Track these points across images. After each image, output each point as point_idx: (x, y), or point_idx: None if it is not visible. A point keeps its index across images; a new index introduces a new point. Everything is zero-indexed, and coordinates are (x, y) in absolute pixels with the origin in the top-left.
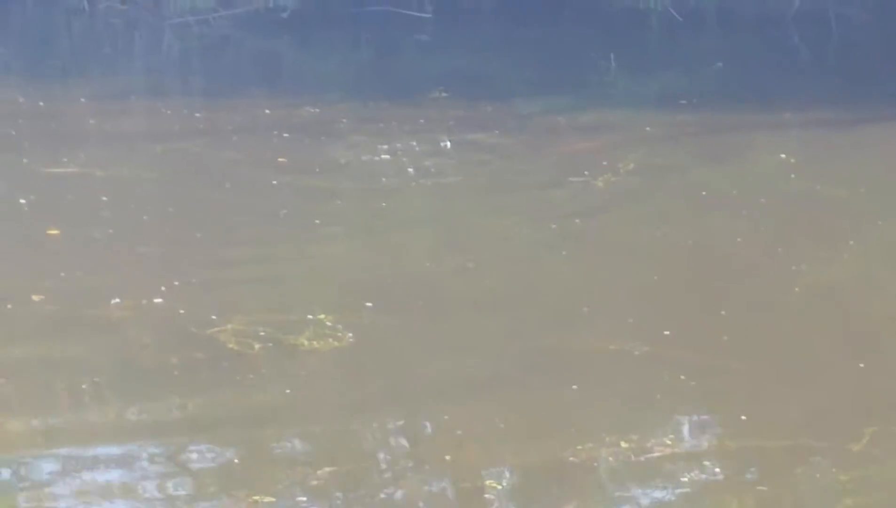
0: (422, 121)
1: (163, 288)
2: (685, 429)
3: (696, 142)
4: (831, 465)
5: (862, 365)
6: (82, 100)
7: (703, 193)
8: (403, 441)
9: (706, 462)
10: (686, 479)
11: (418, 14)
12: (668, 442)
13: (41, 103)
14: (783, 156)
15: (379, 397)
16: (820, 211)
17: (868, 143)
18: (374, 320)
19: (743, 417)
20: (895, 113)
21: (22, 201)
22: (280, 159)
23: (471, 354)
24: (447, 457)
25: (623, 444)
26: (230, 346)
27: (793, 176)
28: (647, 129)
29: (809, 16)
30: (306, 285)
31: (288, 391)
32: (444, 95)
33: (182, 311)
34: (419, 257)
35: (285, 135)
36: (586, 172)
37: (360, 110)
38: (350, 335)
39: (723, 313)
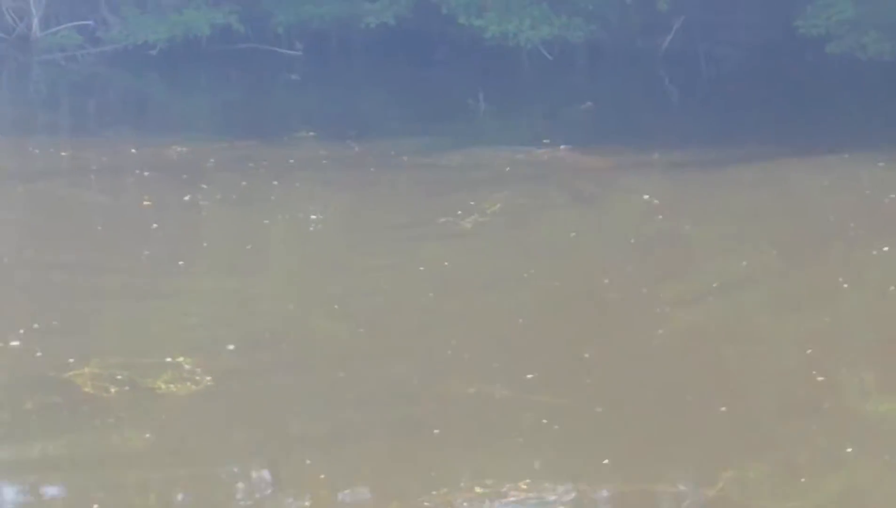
0: (291, 161)
1: (21, 331)
2: (543, 473)
3: (563, 182)
4: None
5: (723, 409)
6: None
7: (572, 234)
8: (263, 487)
9: (560, 507)
10: None
11: (288, 52)
12: (524, 487)
13: None
14: (646, 197)
15: (239, 441)
16: (687, 252)
17: (737, 183)
18: (234, 363)
19: (605, 461)
20: (764, 153)
21: None
22: (146, 203)
23: (332, 398)
24: (307, 503)
25: (478, 489)
26: (86, 390)
27: (660, 217)
28: (513, 169)
29: (679, 55)
30: (166, 327)
31: (147, 435)
32: (311, 134)
33: (39, 354)
34: (284, 300)
35: (151, 175)
36: (458, 213)
37: (228, 150)
38: (209, 378)
39: (586, 355)
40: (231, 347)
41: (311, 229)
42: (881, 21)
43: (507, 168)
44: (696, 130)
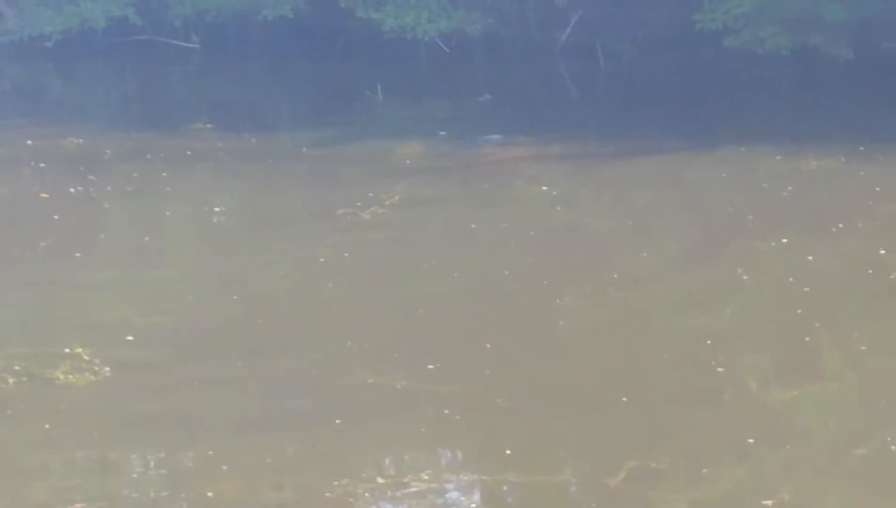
0: (188, 153)
1: None
2: (445, 463)
3: (461, 174)
4: (587, 500)
5: (625, 399)
6: None
7: (472, 225)
8: (164, 478)
9: (462, 497)
10: None
11: (185, 44)
12: (426, 477)
13: None
14: (545, 189)
15: (139, 432)
16: (586, 245)
17: (636, 176)
18: (133, 354)
19: (507, 451)
20: (662, 146)
21: None
22: (43, 195)
23: (233, 389)
24: (209, 493)
25: (380, 480)
26: None
27: (559, 209)
28: (411, 161)
29: (578, 49)
30: (64, 318)
31: (47, 426)
32: (209, 126)
33: None
34: (183, 291)
35: (47, 166)
36: (357, 204)
37: (125, 142)
38: (107, 369)
39: (487, 346)
40: (130, 338)
41: (210, 220)
42: (778, 15)
43: (406, 160)
44: (595, 124)
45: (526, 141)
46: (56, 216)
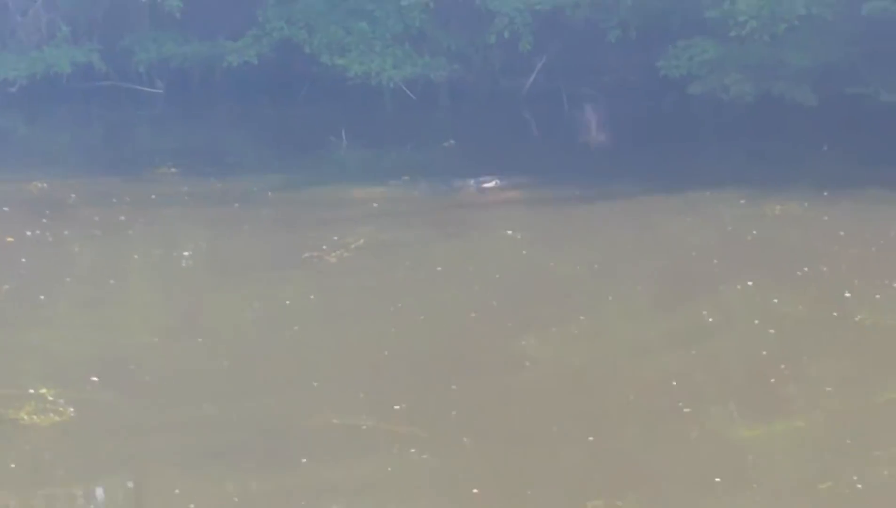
0: (153, 197)
1: None
2: (412, 503)
3: (426, 218)
4: None
5: (591, 438)
6: None
7: (438, 268)
8: None
9: None
10: None
11: (149, 89)
12: None
13: None
14: (510, 233)
15: (102, 471)
16: (552, 287)
17: (600, 220)
18: (97, 395)
19: (474, 490)
20: (627, 191)
21: None
22: (8, 239)
23: (199, 429)
24: None
25: None
26: None
27: (524, 253)
28: (375, 205)
29: (542, 95)
30: (28, 359)
31: (12, 465)
32: (173, 170)
33: None
34: (148, 334)
35: (12, 210)
36: (322, 247)
37: (89, 186)
38: (71, 409)
39: (454, 387)
40: (94, 378)
41: (175, 263)
42: (742, 62)
43: (370, 204)
44: (559, 169)
45: (490, 186)
46: (23, 260)
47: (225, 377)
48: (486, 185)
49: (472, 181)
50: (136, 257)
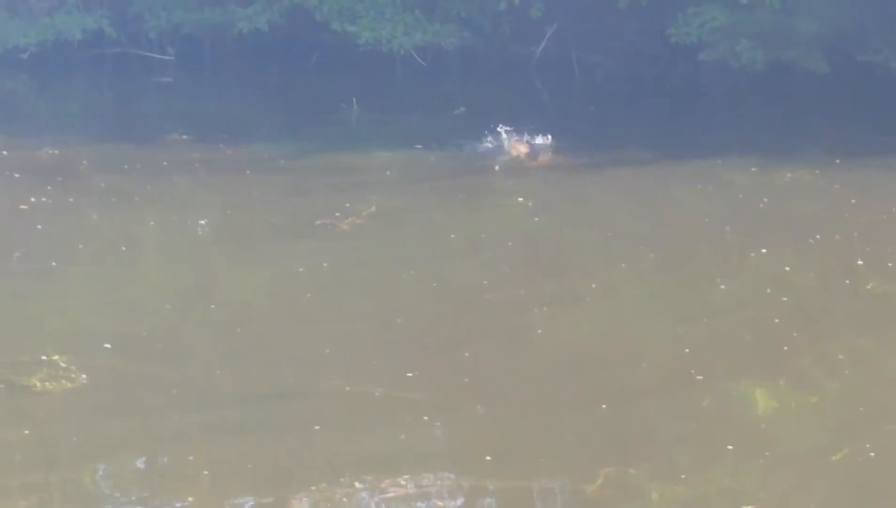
0: (164, 163)
1: None
2: (424, 469)
3: (437, 185)
4: (566, 505)
5: (604, 406)
6: None
7: (451, 236)
8: (145, 483)
9: (441, 503)
10: None
11: (160, 56)
12: (403, 483)
13: None
14: (521, 200)
15: (117, 438)
16: (564, 254)
17: (612, 188)
18: (110, 361)
19: (487, 458)
20: (638, 158)
21: None
22: (22, 206)
23: (211, 397)
24: (189, 498)
25: (357, 484)
26: None
27: (536, 219)
28: (387, 172)
29: (553, 62)
30: (41, 326)
31: (26, 432)
32: (185, 137)
33: None
34: (160, 300)
35: (22, 176)
36: (335, 214)
37: (101, 153)
38: (84, 376)
39: (466, 354)
40: (107, 345)
41: (187, 230)
42: (753, 30)
43: (381, 171)
44: (570, 136)
45: (500, 152)
46: (38, 226)
47: (237, 344)
48: (537, 141)
49: (524, 137)
50: (148, 224)
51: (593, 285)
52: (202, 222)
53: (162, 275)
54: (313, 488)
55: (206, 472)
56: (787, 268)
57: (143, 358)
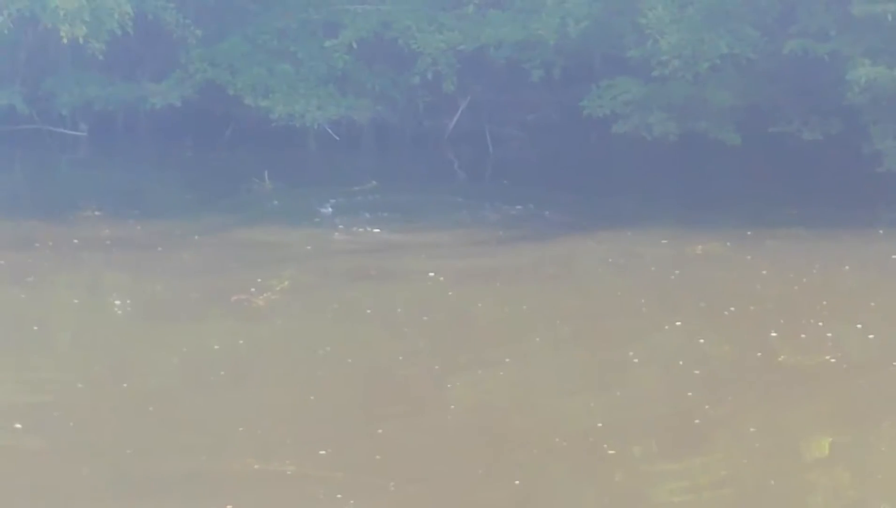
0: (75, 241)
1: None
2: None
3: (349, 260)
4: None
5: (517, 482)
6: None
7: (367, 311)
8: None
9: None
10: None
11: (73, 132)
12: None
13: None
14: (432, 275)
15: None
16: (478, 329)
17: (522, 261)
18: (21, 442)
19: None
20: (548, 231)
21: None
22: None
23: (121, 477)
24: None
25: None
26: None
27: (450, 293)
28: (299, 247)
29: (466, 136)
30: None
31: None
32: (97, 213)
33: None
34: (71, 379)
35: None
36: (251, 290)
37: (12, 230)
38: None
39: (380, 431)
40: (18, 425)
41: (101, 308)
42: (666, 101)
43: (295, 247)
44: (482, 209)
45: (412, 227)
46: None
47: (149, 423)
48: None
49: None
50: (59, 302)
51: (507, 360)
52: (115, 300)
53: (74, 354)
54: None
55: None
56: (702, 340)
57: (53, 438)
